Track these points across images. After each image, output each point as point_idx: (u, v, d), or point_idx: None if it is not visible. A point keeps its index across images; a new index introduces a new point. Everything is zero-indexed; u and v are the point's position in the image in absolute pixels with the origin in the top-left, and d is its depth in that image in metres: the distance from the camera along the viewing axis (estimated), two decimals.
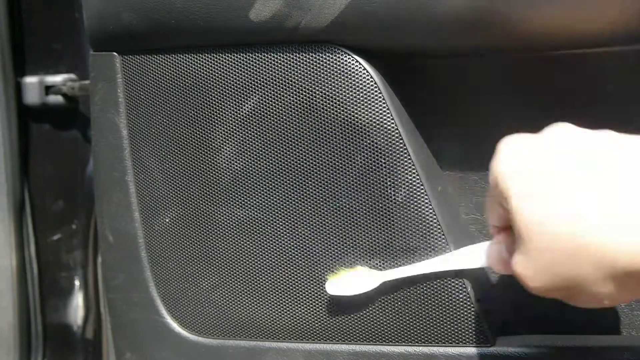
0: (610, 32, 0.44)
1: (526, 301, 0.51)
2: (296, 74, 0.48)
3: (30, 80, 0.73)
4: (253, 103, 0.50)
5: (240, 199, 0.52)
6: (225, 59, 0.50)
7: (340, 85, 0.48)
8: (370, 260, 0.50)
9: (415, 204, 0.48)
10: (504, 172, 0.36)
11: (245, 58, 0.50)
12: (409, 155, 0.47)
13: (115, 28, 0.52)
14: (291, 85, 0.49)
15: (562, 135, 0.36)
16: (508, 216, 0.36)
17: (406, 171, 0.48)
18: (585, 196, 0.33)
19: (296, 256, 0.51)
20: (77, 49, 0.73)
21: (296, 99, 0.49)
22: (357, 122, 0.48)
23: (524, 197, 0.35)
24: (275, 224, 0.52)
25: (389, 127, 0.47)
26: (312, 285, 0.52)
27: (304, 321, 0.52)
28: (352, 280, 0.49)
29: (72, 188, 0.76)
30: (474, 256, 0.45)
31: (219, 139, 0.52)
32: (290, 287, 0.52)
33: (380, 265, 0.50)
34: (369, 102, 0.47)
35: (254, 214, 0.52)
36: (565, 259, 0.33)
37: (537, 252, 0.34)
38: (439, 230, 0.48)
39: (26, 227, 0.76)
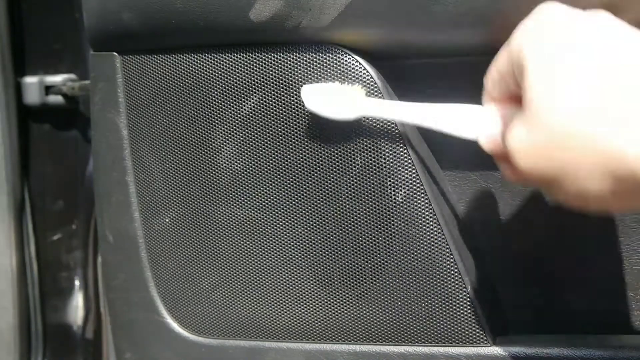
0: None
1: (526, 301, 0.51)
2: (296, 74, 0.48)
3: (30, 80, 0.73)
4: (253, 103, 0.50)
5: (240, 199, 0.52)
6: (225, 59, 0.50)
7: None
8: (370, 259, 0.50)
9: (415, 204, 0.48)
10: (532, 39, 0.34)
11: (245, 58, 0.50)
12: (409, 155, 0.47)
13: (115, 28, 0.52)
14: (291, 85, 0.49)
15: (594, 23, 0.33)
16: (514, 86, 0.34)
17: (406, 171, 0.48)
18: (610, 92, 0.30)
19: (296, 256, 0.51)
20: (77, 49, 0.73)
21: (296, 99, 0.49)
22: (357, 122, 0.48)
23: (546, 69, 0.32)
24: (275, 224, 0.52)
25: (389, 127, 0.47)
26: (312, 285, 0.52)
27: (304, 321, 0.52)
28: (335, 100, 0.45)
29: (72, 188, 0.76)
30: (463, 122, 0.40)
31: (219, 139, 0.52)
32: (290, 287, 0.52)
33: (380, 264, 0.50)
34: None
35: (254, 214, 0.52)
36: (569, 143, 0.31)
37: (540, 128, 0.32)
38: (439, 230, 0.48)
39: (26, 227, 0.76)
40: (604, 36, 0.32)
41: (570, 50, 0.32)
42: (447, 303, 0.49)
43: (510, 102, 0.37)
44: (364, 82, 0.47)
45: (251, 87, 0.50)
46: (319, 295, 0.51)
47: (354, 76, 0.47)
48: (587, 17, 0.33)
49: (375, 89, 0.47)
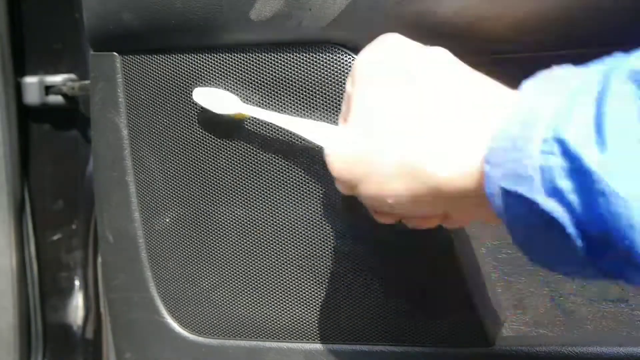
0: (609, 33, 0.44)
1: (526, 301, 0.51)
2: (296, 73, 0.48)
3: (30, 80, 0.73)
4: (253, 103, 0.50)
5: (240, 199, 0.52)
6: (225, 59, 0.50)
7: (341, 85, 0.48)
8: (370, 260, 0.50)
9: None
10: (363, 59, 0.38)
11: (246, 58, 0.50)
12: None
13: (115, 28, 0.52)
14: (291, 85, 0.49)
15: (433, 55, 0.37)
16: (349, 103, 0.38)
17: None
18: (414, 116, 0.35)
19: (296, 256, 0.51)
20: (77, 49, 0.73)
21: (296, 98, 0.49)
22: None
23: (368, 83, 0.37)
24: (275, 224, 0.52)
25: None
26: (312, 285, 0.52)
27: (304, 321, 0.52)
28: (218, 98, 0.50)
29: (72, 188, 0.76)
30: (320, 132, 0.45)
31: (218, 138, 0.52)
32: (290, 287, 0.52)
33: (380, 265, 0.50)
34: None
35: (254, 214, 0.52)
36: (375, 149, 0.35)
37: (351, 136, 0.37)
38: (439, 230, 0.48)
39: (26, 227, 0.76)
40: (425, 68, 0.36)
41: (390, 75, 0.37)
42: (447, 303, 0.49)
43: None
44: None
45: (251, 86, 0.50)
46: (319, 295, 0.51)
47: None
48: (413, 49, 0.38)
49: None
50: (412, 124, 0.35)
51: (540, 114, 0.29)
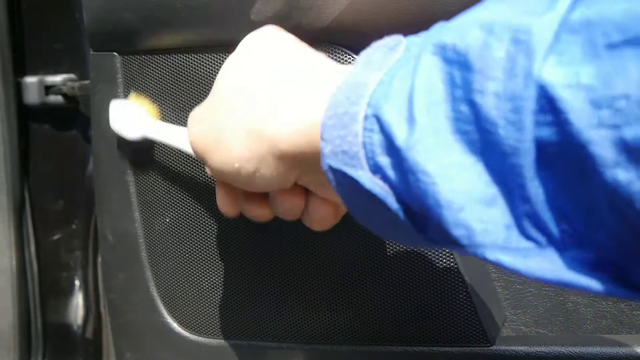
0: None
1: (526, 301, 0.51)
2: None
3: (30, 80, 0.73)
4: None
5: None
6: (225, 59, 0.50)
7: None
8: (370, 261, 0.50)
9: None
10: (245, 39, 0.40)
11: None
12: None
13: (115, 28, 0.52)
14: None
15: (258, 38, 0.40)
16: None
17: None
18: (256, 83, 0.37)
19: (296, 256, 0.51)
20: (77, 49, 0.73)
21: None
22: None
23: (236, 58, 0.39)
24: (276, 224, 0.52)
25: None
26: (312, 286, 0.52)
27: (304, 321, 0.52)
28: (128, 120, 0.51)
29: (72, 188, 0.76)
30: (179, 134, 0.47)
31: None
32: (291, 287, 0.52)
33: (380, 266, 0.50)
34: None
35: None
36: (226, 115, 0.37)
37: (208, 103, 0.39)
38: None
39: (26, 227, 0.76)
40: (258, 45, 0.39)
41: (254, 47, 0.39)
42: (447, 303, 0.49)
43: None
44: None
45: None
46: (319, 295, 0.51)
47: None
48: (258, 35, 0.40)
49: None
50: (254, 91, 0.36)
51: (363, 90, 0.30)
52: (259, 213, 0.43)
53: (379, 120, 0.28)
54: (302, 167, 0.36)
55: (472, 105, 0.25)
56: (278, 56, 0.38)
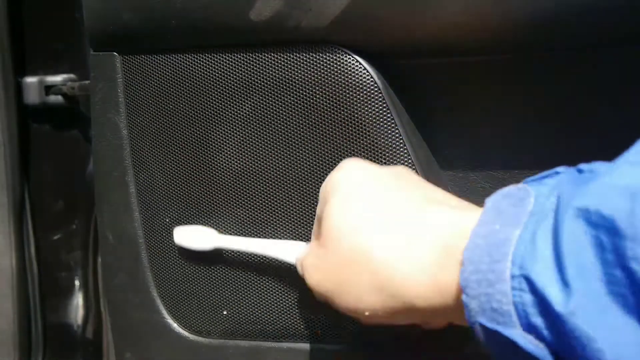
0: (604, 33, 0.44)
1: None
2: (296, 73, 0.48)
3: (30, 80, 0.73)
4: (253, 103, 0.50)
5: (241, 199, 0.52)
6: (225, 59, 0.50)
7: (341, 85, 0.48)
8: None
9: None
10: (329, 181, 0.41)
11: (245, 58, 0.50)
12: (409, 155, 0.47)
13: (115, 28, 0.52)
14: (291, 85, 0.49)
15: (394, 174, 0.40)
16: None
17: None
18: (387, 233, 0.36)
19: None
20: (77, 49, 0.73)
21: (296, 99, 0.49)
22: (357, 122, 0.48)
23: (340, 204, 0.38)
24: (276, 224, 0.52)
25: (388, 127, 0.47)
26: None
27: (304, 321, 0.52)
28: (195, 236, 0.53)
29: (72, 188, 0.76)
30: (290, 251, 0.48)
31: (219, 139, 0.52)
32: (291, 287, 0.52)
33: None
34: (369, 102, 0.47)
35: (254, 214, 0.52)
36: (348, 265, 0.37)
37: (327, 250, 0.38)
38: None
39: (26, 227, 0.76)
40: (388, 182, 0.39)
41: (356, 191, 0.39)
42: None
43: None
44: (364, 82, 0.47)
45: (251, 87, 0.50)
46: None
47: (354, 76, 0.47)
48: (370, 170, 0.41)
49: (375, 89, 0.47)
50: (381, 239, 0.36)
51: (505, 248, 0.30)
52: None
53: (529, 281, 0.28)
54: (430, 316, 0.37)
55: (627, 270, 0.26)
56: (380, 201, 0.38)
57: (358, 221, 0.37)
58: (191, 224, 0.54)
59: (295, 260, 0.46)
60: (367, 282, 0.36)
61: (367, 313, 0.37)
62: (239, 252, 0.52)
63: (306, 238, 0.51)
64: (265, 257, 0.51)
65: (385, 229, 0.36)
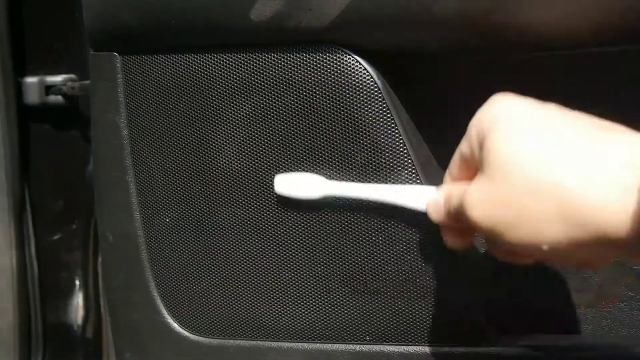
0: (603, 32, 0.44)
1: (526, 301, 0.51)
2: (296, 74, 0.48)
3: (30, 80, 0.73)
4: (253, 103, 0.50)
5: (240, 199, 0.52)
6: (225, 59, 0.50)
7: (341, 85, 0.48)
8: (370, 259, 0.50)
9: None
10: (500, 110, 0.37)
11: (245, 58, 0.50)
12: (409, 155, 0.47)
13: (115, 28, 0.52)
14: (291, 85, 0.49)
15: (551, 109, 0.37)
16: (474, 161, 0.38)
17: (406, 171, 0.48)
18: (569, 159, 0.33)
19: (296, 256, 0.51)
20: (77, 49, 0.73)
21: (296, 99, 0.49)
22: (357, 121, 0.48)
23: (507, 132, 0.35)
24: (275, 224, 0.52)
25: (389, 127, 0.47)
26: (312, 285, 0.52)
27: (304, 321, 0.52)
28: (300, 183, 0.49)
29: (72, 188, 0.76)
30: (418, 196, 0.45)
31: (219, 139, 0.52)
32: (290, 287, 0.52)
33: (380, 265, 0.49)
34: (369, 102, 0.47)
35: (254, 213, 0.52)
36: (530, 190, 0.33)
37: (501, 179, 0.35)
38: (439, 231, 0.48)
39: (26, 227, 0.76)
40: (551, 115, 0.36)
41: (526, 120, 0.36)
42: (447, 303, 0.49)
43: (466, 180, 0.40)
44: (364, 82, 0.47)
45: (251, 87, 0.50)
46: (319, 295, 0.51)
47: (354, 76, 0.47)
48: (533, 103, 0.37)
49: (375, 89, 0.47)
50: (565, 165, 0.33)
51: None
52: (513, 262, 0.40)
53: None
54: (629, 249, 0.33)
55: None
56: (555, 128, 0.35)
57: (536, 149, 0.34)
58: (191, 223, 0.54)
59: (426, 205, 0.43)
60: (552, 211, 0.33)
61: (545, 247, 0.34)
62: (352, 200, 0.49)
63: (309, 234, 0.51)
64: (383, 204, 0.47)
65: (567, 154, 0.33)
